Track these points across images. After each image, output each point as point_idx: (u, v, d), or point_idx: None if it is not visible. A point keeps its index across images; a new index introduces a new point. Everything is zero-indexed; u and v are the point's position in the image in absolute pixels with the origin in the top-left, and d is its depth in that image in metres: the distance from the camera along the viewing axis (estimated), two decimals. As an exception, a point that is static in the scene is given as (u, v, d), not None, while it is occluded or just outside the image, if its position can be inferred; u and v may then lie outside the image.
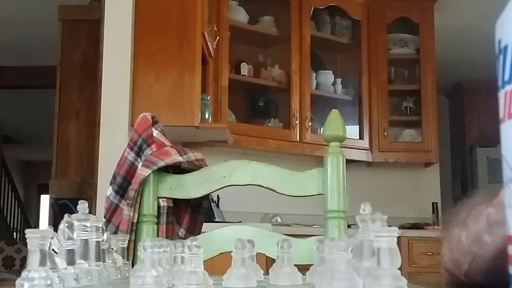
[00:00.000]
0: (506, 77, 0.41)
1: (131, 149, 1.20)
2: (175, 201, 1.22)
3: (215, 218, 3.54)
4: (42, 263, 0.59)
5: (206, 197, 1.24)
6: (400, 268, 0.59)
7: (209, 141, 3.59)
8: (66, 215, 0.73)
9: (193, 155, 1.21)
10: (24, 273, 0.59)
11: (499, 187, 0.60)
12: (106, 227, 1.10)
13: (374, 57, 4.55)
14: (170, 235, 1.19)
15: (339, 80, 4.52)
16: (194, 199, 1.21)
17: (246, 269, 0.71)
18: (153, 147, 1.20)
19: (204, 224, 1.27)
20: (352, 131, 4.43)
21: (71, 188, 3.50)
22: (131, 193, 1.14)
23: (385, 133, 4.51)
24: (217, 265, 0.89)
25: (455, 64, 5.67)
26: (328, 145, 1.17)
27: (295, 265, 0.76)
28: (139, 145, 1.20)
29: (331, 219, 1.13)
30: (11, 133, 9.02)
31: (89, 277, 0.71)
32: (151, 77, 3.04)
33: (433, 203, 4.61)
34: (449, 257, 0.79)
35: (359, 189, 3.52)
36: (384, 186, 4.62)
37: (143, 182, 1.16)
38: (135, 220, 1.14)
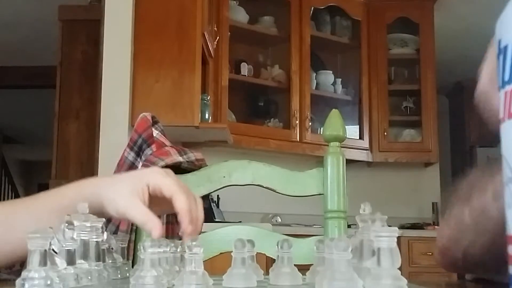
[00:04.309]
0: (506, 77, 0.41)
1: (131, 149, 1.20)
2: (175, 201, 1.22)
3: (215, 218, 3.54)
4: (42, 263, 0.59)
5: (206, 197, 1.24)
6: (400, 268, 0.59)
7: (209, 141, 3.59)
8: (66, 215, 0.73)
9: (193, 155, 1.21)
10: (24, 273, 0.59)
11: (497, 161, 0.59)
12: (106, 227, 1.10)
13: (374, 57, 4.55)
14: (170, 235, 1.18)
15: (339, 80, 4.52)
16: (194, 199, 1.21)
17: (246, 269, 0.71)
18: (153, 147, 1.20)
19: (204, 224, 1.27)
20: (352, 131, 4.43)
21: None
22: (131, 193, 1.13)
23: (385, 133, 4.51)
24: (217, 265, 0.89)
25: (455, 64, 5.67)
26: (328, 145, 1.17)
27: (295, 265, 0.76)
28: (139, 145, 1.20)
29: (331, 219, 1.13)
30: (11, 133, 9.02)
31: (89, 277, 0.71)
32: (151, 77, 3.04)
33: (433, 203, 4.61)
34: (447, 235, 0.79)
35: (359, 189, 3.52)
36: (384, 186, 4.62)
37: (143, 182, 1.15)
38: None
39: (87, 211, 0.77)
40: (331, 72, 4.52)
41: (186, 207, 0.80)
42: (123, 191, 0.83)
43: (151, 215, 0.79)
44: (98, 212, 0.85)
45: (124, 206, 0.81)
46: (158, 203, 0.84)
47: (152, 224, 0.78)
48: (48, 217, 0.88)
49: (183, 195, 0.81)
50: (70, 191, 0.89)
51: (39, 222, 0.88)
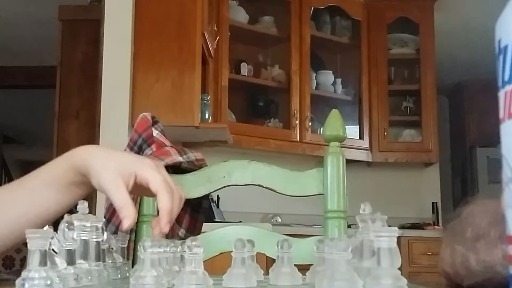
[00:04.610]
0: (506, 77, 0.41)
1: (131, 149, 1.20)
2: (175, 201, 1.21)
3: (215, 218, 3.54)
4: (42, 263, 0.59)
5: (206, 197, 1.24)
6: (400, 268, 0.59)
7: (209, 141, 3.58)
8: (66, 215, 0.73)
9: (193, 155, 1.21)
10: (24, 273, 0.59)
11: (497, 196, 0.59)
12: (106, 227, 1.10)
13: (374, 57, 4.55)
14: (170, 235, 1.19)
15: (339, 80, 4.52)
16: (194, 199, 1.21)
17: (246, 269, 0.71)
18: (153, 147, 1.20)
19: (204, 224, 1.27)
20: (352, 131, 4.43)
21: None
22: (131, 193, 1.13)
23: (385, 133, 4.51)
24: (217, 265, 0.89)
25: (455, 64, 5.67)
26: (328, 145, 1.17)
27: (295, 265, 0.76)
28: (139, 145, 1.20)
29: (331, 219, 1.13)
30: (11, 133, 9.02)
31: (89, 277, 0.71)
32: (151, 77, 3.04)
33: (433, 203, 4.61)
34: (450, 266, 0.79)
35: (359, 189, 3.52)
36: (384, 186, 4.62)
37: (143, 182, 1.15)
38: (135, 220, 1.14)
39: (87, 211, 0.77)
40: (331, 72, 4.52)
41: (169, 207, 0.79)
42: (111, 167, 0.82)
43: (129, 203, 0.79)
44: (86, 181, 0.85)
45: (106, 183, 0.81)
46: (140, 189, 0.84)
47: (127, 213, 0.78)
48: (43, 189, 0.88)
49: (168, 194, 0.80)
50: (61, 161, 0.89)
51: (35, 196, 0.88)
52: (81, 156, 0.86)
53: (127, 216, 0.77)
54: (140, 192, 0.86)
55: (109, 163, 0.83)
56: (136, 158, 0.87)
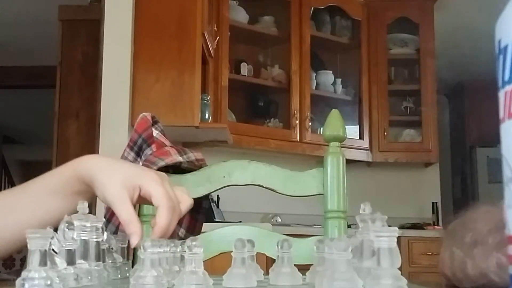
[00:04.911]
0: (506, 77, 0.41)
1: (131, 149, 1.20)
2: (175, 201, 1.21)
3: (215, 218, 3.54)
4: (42, 263, 0.59)
5: (206, 197, 1.24)
6: (400, 268, 0.59)
7: (209, 141, 3.59)
8: (66, 215, 0.73)
9: (193, 155, 1.21)
10: (24, 273, 0.59)
11: (499, 203, 0.59)
12: (106, 227, 1.10)
13: (374, 57, 4.55)
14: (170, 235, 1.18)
15: (339, 80, 4.53)
16: (194, 199, 1.21)
17: (246, 269, 0.71)
18: (153, 147, 1.20)
19: (204, 224, 1.27)
20: (352, 131, 4.43)
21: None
22: (131, 193, 1.13)
23: (385, 133, 4.51)
24: (217, 265, 0.89)
25: (455, 64, 5.67)
26: (328, 145, 1.17)
27: (295, 265, 0.76)
28: (139, 145, 1.20)
29: (331, 219, 1.13)
30: (11, 133, 9.02)
31: (89, 277, 0.71)
32: (151, 77, 3.04)
33: (433, 203, 4.61)
34: (449, 269, 0.80)
35: (359, 189, 3.52)
36: (384, 186, 4.62)
37: (143, 182, 1.15)
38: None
39: (87, 211, 0.77)
40: (331, 72, 4.52)
41: (165, 225, 0.79)
42: (116, 179, 0.81)
43: (135, 218, 0.78)
44: (90, 190, 0.85)
45: (112, 196, 0.80)
46: (143, 200, 0.84)
47: (134, 229, 0.77)
48: (46, 197, 0.88)
49: (168, 210, 0.79)
50: (65, 170, 0.88)
51: (38, 203, 0.88)
52: (85, 166, 0.86)
53: (134, 232, 0.77)
54: (143, 202, 0.86)
55: (114, 176, 0.82)
56: (141, 171, 0.86)
